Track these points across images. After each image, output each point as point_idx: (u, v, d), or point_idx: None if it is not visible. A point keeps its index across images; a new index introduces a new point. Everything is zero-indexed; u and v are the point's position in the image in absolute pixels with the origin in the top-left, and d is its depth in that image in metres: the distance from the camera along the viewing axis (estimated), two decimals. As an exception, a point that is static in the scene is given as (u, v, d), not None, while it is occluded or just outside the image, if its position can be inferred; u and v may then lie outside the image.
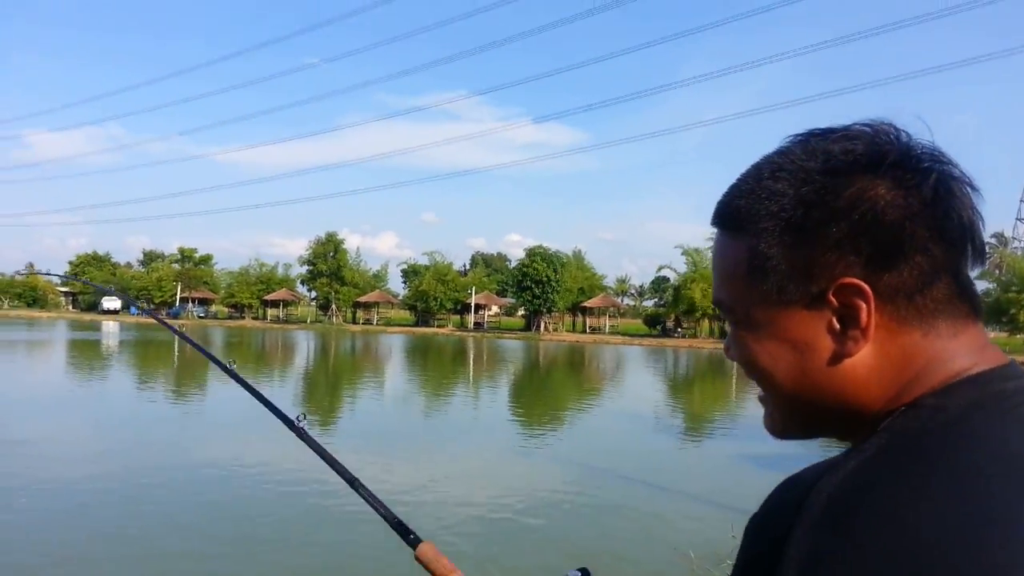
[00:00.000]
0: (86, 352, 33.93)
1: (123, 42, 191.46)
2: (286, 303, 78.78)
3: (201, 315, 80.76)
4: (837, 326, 0.69)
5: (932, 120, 0.74)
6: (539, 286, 63.20)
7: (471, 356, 41.31)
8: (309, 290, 77.85)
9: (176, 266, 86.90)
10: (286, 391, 21.61)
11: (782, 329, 0.72)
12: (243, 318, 78.89)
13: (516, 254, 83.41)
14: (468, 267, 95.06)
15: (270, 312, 78.70)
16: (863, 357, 0.69)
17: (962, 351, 0.69)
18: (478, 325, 70.70)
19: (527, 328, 68.49)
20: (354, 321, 75.00)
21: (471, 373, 30.79)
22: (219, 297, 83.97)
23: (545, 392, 25.02)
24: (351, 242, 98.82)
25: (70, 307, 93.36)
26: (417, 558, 1.29)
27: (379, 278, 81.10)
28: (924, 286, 0.68)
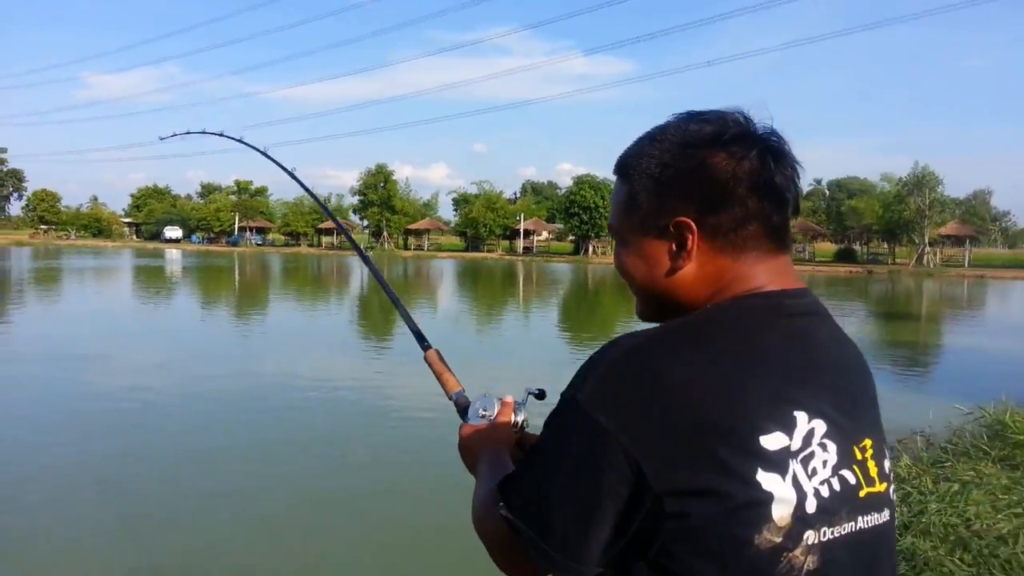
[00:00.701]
0: (153, 277, 35.38)
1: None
2: (339, 232, 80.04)
3: (259, 243, 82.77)
4: (674, 249, 0.99)
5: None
6: (586, 212, 63.13)
7: (520, 278, 41.77)
8: (361, 219, 78.97)
9: (233, 197, 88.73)
10: (343, 310, 22.38)
11: (642, 248, 1.02)
12: (299, 245, 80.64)
13: (566, 183, 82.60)
14: (518, 195, 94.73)
15: (324, 240, 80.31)
16: (690, 271, 0.98)
17: (761, 274, 0.97)
18: (527, 250, 71.06)
19: (575, 252, 68.62)
20: (406, 247, 76.07)
21: (520, 293, 31.26)
22: (275, 226, 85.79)
23: (594, 310, 25.37)
24: (402, 173, 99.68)
25: (134, 237, 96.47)
26: (425, 359, 1.54)
27: (429, 207, 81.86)
28: (738, 227, 0.96)
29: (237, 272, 39.78)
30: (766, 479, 0.85)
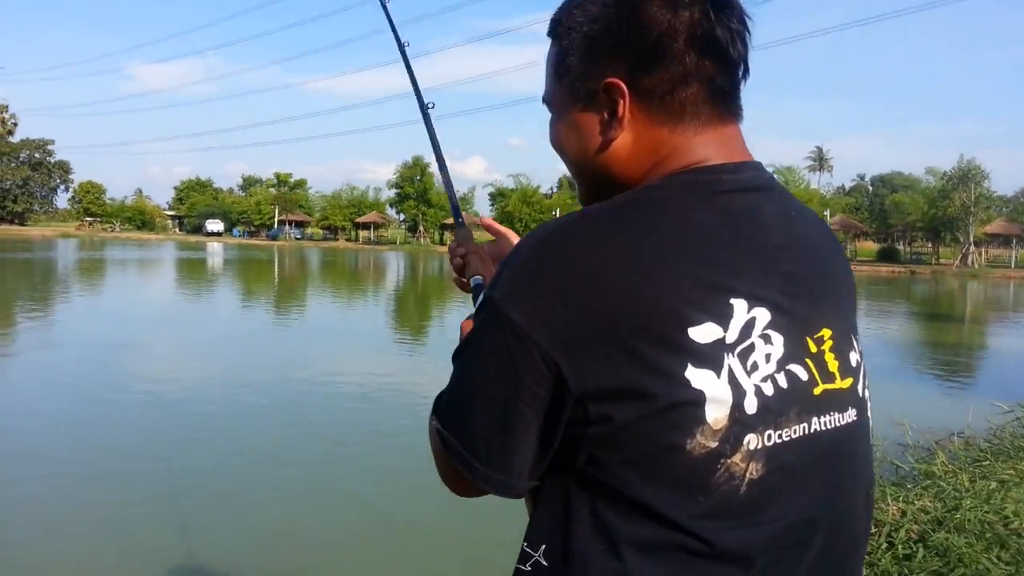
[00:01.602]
0: (194, 269, 36.09)
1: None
2: (376, 225, 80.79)
3: (297, 236, 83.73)
4: (606, 118, 0.88)
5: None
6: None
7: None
8: (398, 212, 79.54)
9: (273, 190, 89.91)
10: (379, 307, 22.62)
11: (573, 119, 0.92)
12: (336, 239, 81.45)
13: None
14: (555, 190, 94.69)
15: (362, 234, 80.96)
16: (624, 144, 0.88)
17: (703, 147, 0.87)
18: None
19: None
20: (441, 242, 76.39)
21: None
22: (314, 220, 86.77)
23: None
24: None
25: (176, 230, 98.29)
26: (456, 233, 1.37)
27: (466, 201, 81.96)
28: (674, 89, 0.85)
29: (276, 266, 40.36)
30: (697, 376, 0.76)
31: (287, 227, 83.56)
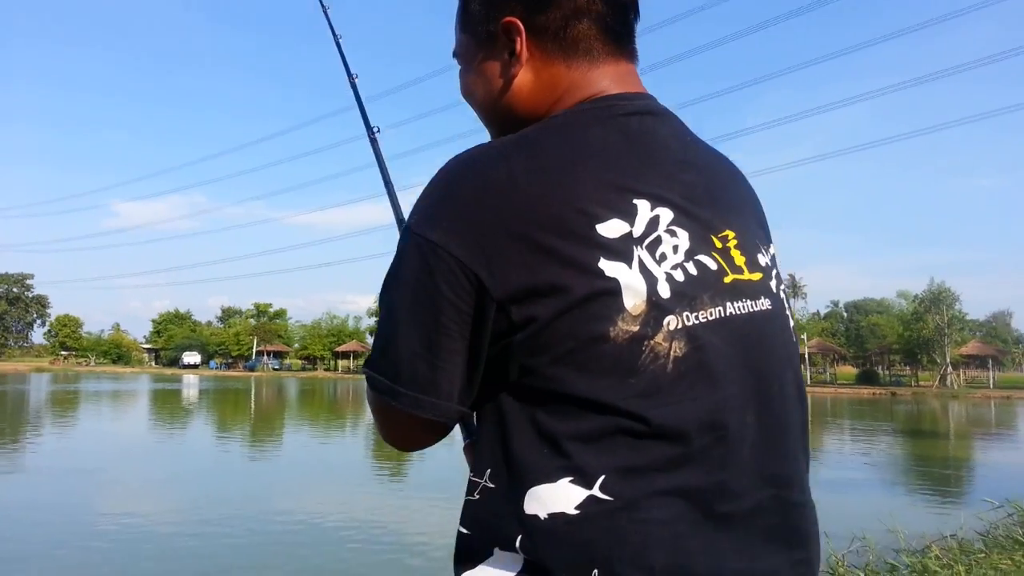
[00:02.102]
0: (168, 400, 35.37)
1: (202, 118, 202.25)
2: (356, 354, 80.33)
3: (276, 367, 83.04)
4: (507, 58, 0.95)
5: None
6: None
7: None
8: (378, 342, 79.47)
9: (252, 321, 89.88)
10: (358, 435, 22.21)
11: (478, 64, 0.99)
12: (315, 369, 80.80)
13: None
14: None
15: (341, 363, 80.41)
16: (525, 83, 0.95)
17: (598, 81, 0.93)
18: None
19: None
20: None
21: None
22: (293, 350, 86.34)
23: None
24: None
25: (153, 363, 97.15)
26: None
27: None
28: (567, 25, 0.92)
29: (253, 397, 39.68)
30: (609, 267, 0.79)
31: (265, 358, 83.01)
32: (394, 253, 0.88)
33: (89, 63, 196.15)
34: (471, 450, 0.93)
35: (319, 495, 10.50)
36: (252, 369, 79.57)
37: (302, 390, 47.54)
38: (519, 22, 0.93)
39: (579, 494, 0.77)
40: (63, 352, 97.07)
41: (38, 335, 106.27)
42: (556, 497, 0.78)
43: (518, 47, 0.94)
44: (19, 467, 13.19)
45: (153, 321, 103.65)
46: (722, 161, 0.98)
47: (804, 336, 57.78)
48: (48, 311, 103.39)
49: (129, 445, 17.10)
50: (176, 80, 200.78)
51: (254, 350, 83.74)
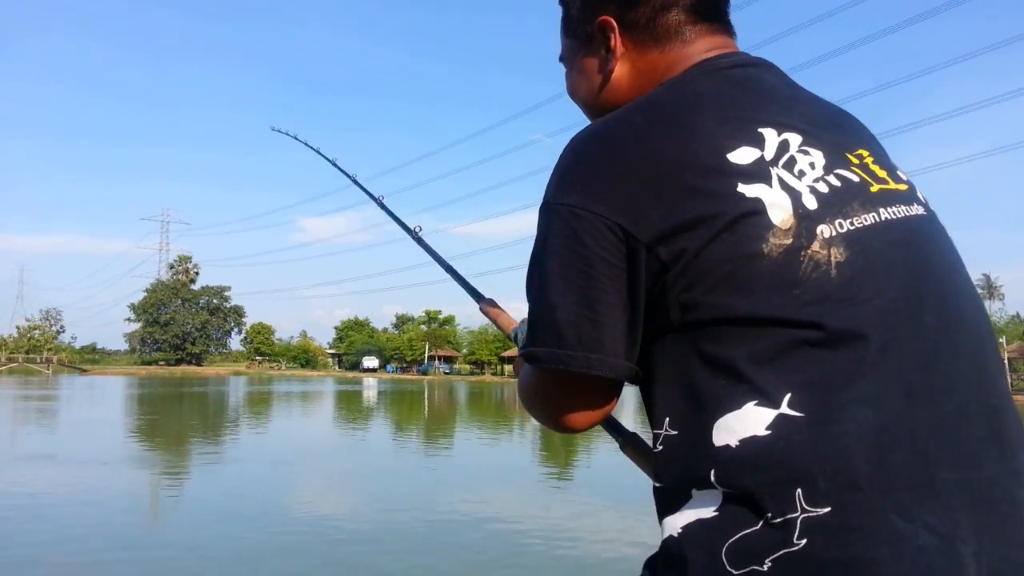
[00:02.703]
0: (351, 401, 37.65)
1: (374, 137, 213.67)
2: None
3: (446, 371, 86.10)
4: (604, 54, 1.02)
5: None
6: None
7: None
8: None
9: (424, 327, 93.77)
10: (525, 437, 22.63)
11: (580, 63, 1.06)
12: (483, 373, 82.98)
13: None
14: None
15: (507, 368, 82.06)
16: (623, 75, 1.01)
17: (693, 54, 0.97)
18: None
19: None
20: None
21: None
22: (461, 355, 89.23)
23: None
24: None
25: (336, 366, 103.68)
26: (481, 310, 1.53)
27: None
28: (656, 17, 0.98)
29: (426, 398, 41.42)
30: (749, 189, 0.80)
31: (436, 362, 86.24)
32: (536, 233, 0.90)
33: (278, 93, 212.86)
34: (631, 446, 0.99)
35: (490, 493, 10.82)
36: (425, 373, 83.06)
37: (471, 393, 49.03)
38: (613, 20, 1.00)
39: (767, 415, 0.76)
40: (257, 357, 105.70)
41: (235, 342, 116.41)
42: (744, 422, 0.76)
43: (613, 43, 1.01)
44: (224, 458, 14.54)
45: (336, 328, 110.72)
46: (831, 104, 0.99)
47: (1003, 340, 52.39)
48: (244, 320, 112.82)
49: (318, 440, 18.39)
50: (351, 104, 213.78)
51: (426, 355, 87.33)
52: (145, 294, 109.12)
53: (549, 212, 0.87)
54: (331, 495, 10.39)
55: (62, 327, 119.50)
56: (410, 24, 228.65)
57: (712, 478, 0.77)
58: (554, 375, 0.87)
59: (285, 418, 26.27)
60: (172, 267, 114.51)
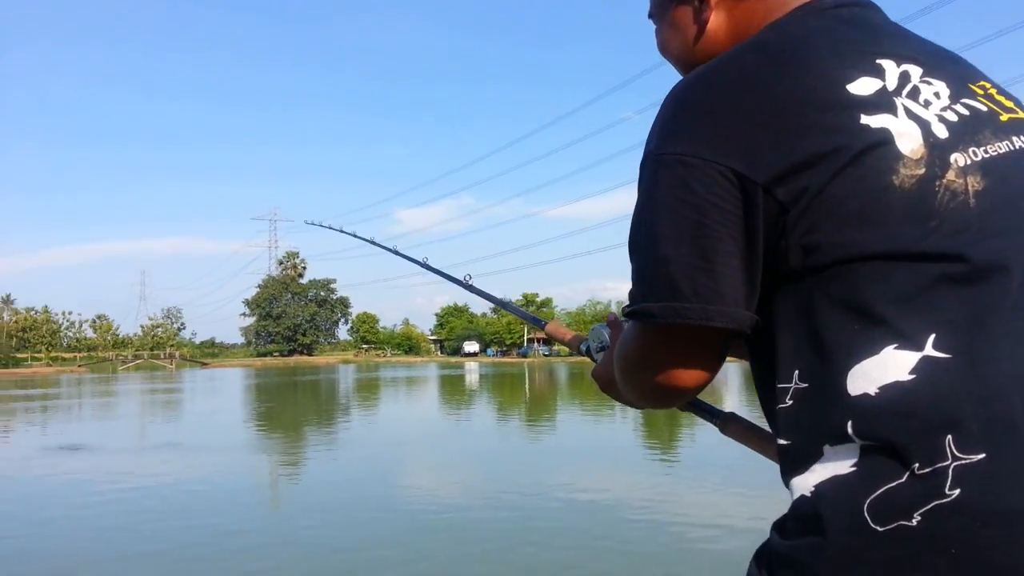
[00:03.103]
0: (454, 385, 38.46)
1: (463, 127, 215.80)
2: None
3: (545, 353, 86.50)
4: (697, 4, 0.97)
5: None
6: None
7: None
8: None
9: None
10: (615, 416, 22.54)
11: (672, 18, 1.01)
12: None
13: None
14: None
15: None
16: (719, 24, 0.96)
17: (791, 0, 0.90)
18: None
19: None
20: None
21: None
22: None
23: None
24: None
25: (438, 352, 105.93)
26: (547, 333, 1.55)
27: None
28: None
29: (527, 380, 41.81)
30: (874, 120, 0.75)
31: (536, 345, 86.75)
32: (639, 187, 0.86)
33: (370, 87, 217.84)
34: (732, 424, 0.99)
35: (597, 474, 10.87)
36: (524, 356, 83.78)
37: (571, 374, 49.11)
38: None
39: (909, 358, 0.70)
40: (364, 345, 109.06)
41: (343, 332, 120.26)
42: (884, 368, 0.71)
43: None
44: (337, 441, 15.17)
45: (436, 315, 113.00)
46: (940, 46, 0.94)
47: None
48: (350, 310, 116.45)
49: (425, 422, 18.92)
50: (437, 93, 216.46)
51: (525, 338, 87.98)
52: (257, 289, 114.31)
53: (654, 163, 0.82)
54: (446, 477, 10.68)
55: (183, 324, 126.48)
56: (484, 7, 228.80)
57: (849, 430, 0.72)
58: (666, 332, 0.82)
59: (393, 402, 27.12)
60: (281, 263, 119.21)
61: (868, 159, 0.74)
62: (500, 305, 1.78)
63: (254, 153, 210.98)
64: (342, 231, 2.83)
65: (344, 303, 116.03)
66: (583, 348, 1.35)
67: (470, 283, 1.81)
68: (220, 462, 11.88)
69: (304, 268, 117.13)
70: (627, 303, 0.86)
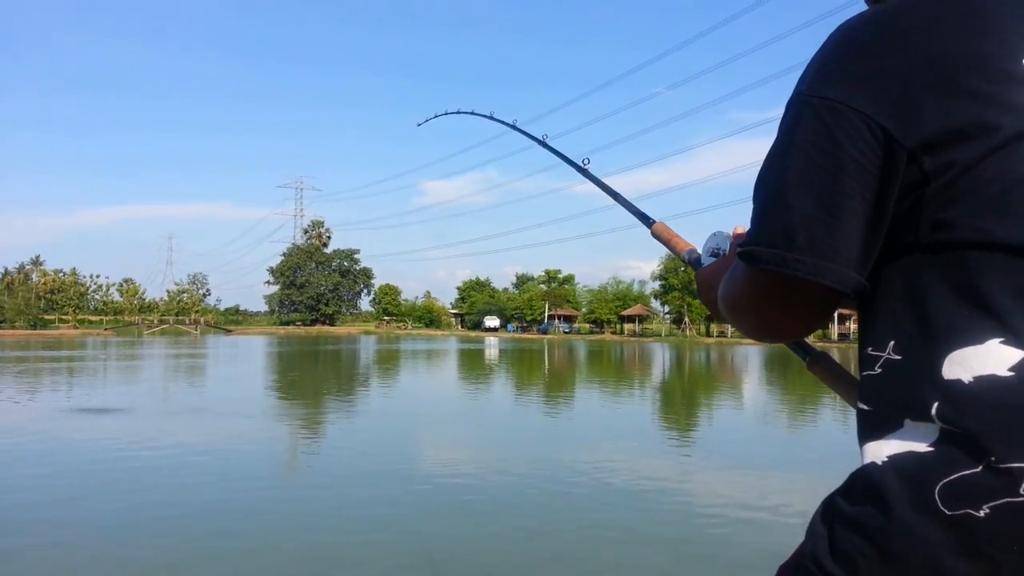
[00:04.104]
0: (474, 359, 38.67)
1: (488, 96, 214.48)
2: (641, 318, 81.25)
3: (566, 330, 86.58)
4: None
5: None
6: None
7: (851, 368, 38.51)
8: (663, 304, 79.46)
9: (543, 287, 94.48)
10: (646, 396, 22.55)
11: None
12: (603, 332, 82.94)
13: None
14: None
15: (627, 327, 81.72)
16: None
17: None
18: (843, 336, 65.86)
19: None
20: (707, 334, 74.60)
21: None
22: (580, 314, 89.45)
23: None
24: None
25: (459, 326, 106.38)
26: (652, 233, 1.50)
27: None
28: None
29: (546, 356, 41.91)
30: None
31: (556, 321, 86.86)
32: (779, 126, 0.82)
33: (410, 55, 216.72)
34: (820, 365, 0.98)
35: (616, 452, 10.93)
36: (545, 332, 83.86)
37: (591, 351, 49.16)
38: None
39: (1013, 355, 0.69)
40: (385, 317, 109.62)
41: (365, 303, 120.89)
42: (984, 359, 0.70)
43: None
44: (361, 409, 15.37)
45: (457, 288, 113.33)
46: None
47: None
48: (372, 282, 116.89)
49: (443, 393, 19.08)
50: (463, 68, 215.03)
51: (546, 314, 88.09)
52: (282, 258, 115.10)
53: (801, 104, 0.79)
54: (464, 450, 10.81)
55: (208, 290, 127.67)
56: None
57: (933, 411, 0.72)
58: (774, 278, 0.80)
59: (414, 373, 27.34)
60: (306, 231, 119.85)
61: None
62: (612, 195, 1.77)
63: (281, 117, 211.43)
64: (459, 111, 2.84)
65: (367, 274, 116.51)
66: (687, 257, 1.33)
67: (587, 167, 1.85)
68: (241, 427, 12.07)
69: (329, 238, 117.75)
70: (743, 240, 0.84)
